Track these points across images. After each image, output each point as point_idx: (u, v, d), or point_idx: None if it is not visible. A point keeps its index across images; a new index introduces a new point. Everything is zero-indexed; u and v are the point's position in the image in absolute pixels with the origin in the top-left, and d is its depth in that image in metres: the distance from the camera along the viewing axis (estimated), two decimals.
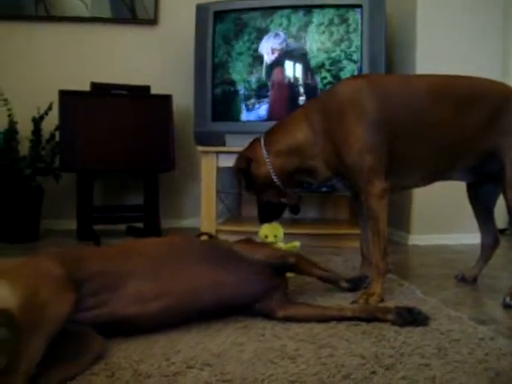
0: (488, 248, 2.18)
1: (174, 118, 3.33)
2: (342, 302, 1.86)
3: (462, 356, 1.36)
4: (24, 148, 3.16)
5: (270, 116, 3.11)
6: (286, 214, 3.42)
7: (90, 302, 1.43)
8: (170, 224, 3.67)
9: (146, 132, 3.24)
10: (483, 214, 2.15)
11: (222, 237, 3.09)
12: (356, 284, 1.98)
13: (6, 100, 3.05)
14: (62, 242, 3.14)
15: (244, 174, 2.06)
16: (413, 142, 1.86)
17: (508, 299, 1.85)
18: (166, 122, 3.28)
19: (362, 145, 1.81)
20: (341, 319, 1.64)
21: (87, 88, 3.24)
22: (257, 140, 2.05)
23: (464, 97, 1.88)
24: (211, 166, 3.11)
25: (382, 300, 1.84)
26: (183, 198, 3.77)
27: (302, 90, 3.16)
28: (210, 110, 3.18)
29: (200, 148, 3.14)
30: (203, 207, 3.16)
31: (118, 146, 3.18)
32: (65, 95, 3.07)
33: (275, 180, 1.97)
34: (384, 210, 1.84)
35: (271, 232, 2.29)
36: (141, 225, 3.41)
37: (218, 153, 3.13)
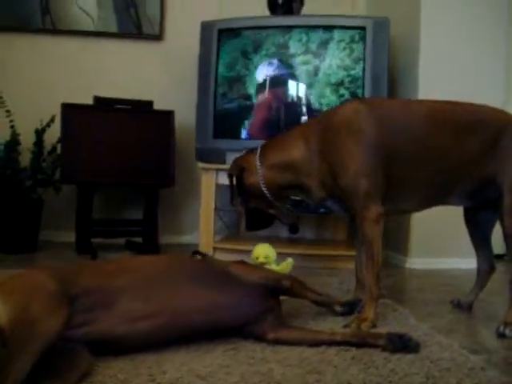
0: (484, 274, 2.16)
1: (176, 134, 3.33)
2: (334, 325, 1.85)
3: None
4: (25, 159, 3.17)
5: (271, 135, 3.11)
6: (284, 234, 3.46)
7: (80, 319, 1.43)
8: (168, 240, 3.66)
9: (147, 147, 3.24)
10: (480, 239, 2.14)
11: (220, 255, 3.11)
12: (350, 308, 1.96)
13: (8, 111, 3.07)
14: (60, 254, 3.14)
15: (235, 181, 2.07)
16: (411, 167, 1.86)
17: (502, 328, 1.83)
18: (168, 138, 3.29)
19: (358, 168, 1.81)
20: (331, 343, 1.63)
21: (90, 101, 3.26)
22: (253, 150, 2.06)
23: (463, 123, 1.89)
24: (211, 183, 3.11)
25: (375, 325, 1.82)
26: (182, 214, 3.77)
27: (302, 110, 3.16)
28: (211, 127, 3.20)
29: (200, 165, 3.15)
30: (202, 224, 3.16)
31: (118, 160, 3.18)
32: (67, 108, 3.08)
33: (264, 191, 1.98)
34: (379, 235, 1.83)
35: (262, 252, 2.28)
36: (139, 239, 3.39)
37: (218, 170, 3.13)
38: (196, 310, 1.57)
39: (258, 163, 2.00)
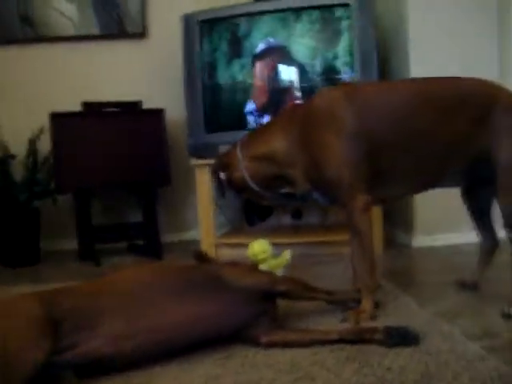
0: (487, 250, 2.08)
1: (169, 131, 3.28)
2: (333, 320, 1.78)
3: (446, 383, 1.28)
4: (19, 172, 3.14)
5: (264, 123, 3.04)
6: (287, 221, 3.40)
7: (65, 342, 1.40)
8: (173, 238, 3.64)
9: (140, 148, 3.20)
10: (479, 216, 2.05)
11: (223, 251, 3.06)
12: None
13: None
14: (63, 263, 3.13)
15: (217, 178, 2.05)
16: (397, 152, 1.77)
17: (507, 308, 1.75)
18: (160, 137, 3.24)
19: (339, 160, 1.74)
20: (327, 343, 1.58)
21: (79, 107, 3.21)
22: (235, 145, 2.00)
23: (449, 100, 1.78)
24: (205, 179, 3.05)
25: (373, 317, 1.76)
26: (183, 211, 3.73)
27: (296, 94, 3.08)
28: (202, 122, 3.13)
29: (193, 161, 3.09)
30: (201, 221, 3.11)
31: (112, 163, 3.14)
32: (56, 118, 3.04)
33: (250, 184, 1.92)
34: (368, 224, 1.76)
35: (260, 248, 2.23)
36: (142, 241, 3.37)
37: (211, 165, 3.06)
38: (182, 325, 1.52)
39: (240, 156, 1.94)
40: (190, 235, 3.65)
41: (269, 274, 1.76)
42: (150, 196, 3.31)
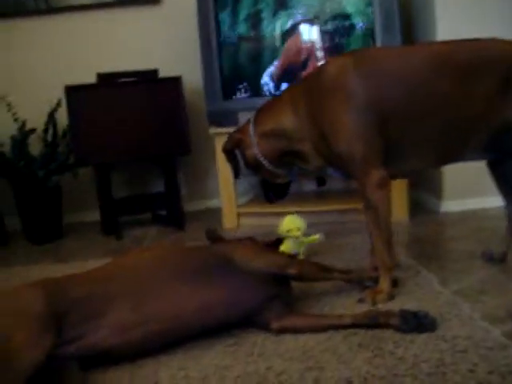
0: None
1: (187, 99, 3.19)
2: (350, 301, 1.72)
3: (461, 376, 1.21)
4: (36, 148, 3.13)
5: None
6: (310, 187, 3.31)
7: (71, 334, 1.38)
8: (195, 206, 3.61)
9: (158, 117, 3.12)
10: (506, 189, 1.93)
11: (245, 220, 3.01)
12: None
13: (9, 105, 3.01)
14: (87, 237, 3.13)
15: (231, 156, 1.96)
16: (412, 124, 1.65)
17: None
18: (178, 105, 3.15)
19: (350, 133, 1.63)
20: (340, 328, 1.52)
21: (94, 80, 3.15)
22: (247, 121, 1.92)
23: (468, 65, 1.63)
24: None
25: (391, 297, 1.68)
26: (205, 180, 3.67)
27: (318, 55, 2.94)
28: (219, 89, 3.03)
29: (212, 130, 3.01)
30: (222, 190, 3.06)
31: (131, 134, 3.08)
32: (71, 90, 2.98)
33: (262, 161, 1.84)
34: (385, 201, 1.66)
35: (293, 225, 2.16)
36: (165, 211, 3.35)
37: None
38: (190, 312, 1.48)
39: (251, 132, 1.86)
40: (213, 203, 3.60)
41: (281, 255, 1.69)
42: (170, 166, 3.26)
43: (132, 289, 1.47)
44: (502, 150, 1.76)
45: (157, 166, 3.43)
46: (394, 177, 1.72)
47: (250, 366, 1.38)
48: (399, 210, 2.82)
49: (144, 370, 1.42)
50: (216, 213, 3.16)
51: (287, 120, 1.76)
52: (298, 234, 2.16)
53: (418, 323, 1.45)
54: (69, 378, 1.36)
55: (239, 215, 3.08)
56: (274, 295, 1.58)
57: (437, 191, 2.95)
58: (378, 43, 2.73)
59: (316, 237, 2.18)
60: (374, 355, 1.35)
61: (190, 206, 3.57)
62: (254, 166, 1.90)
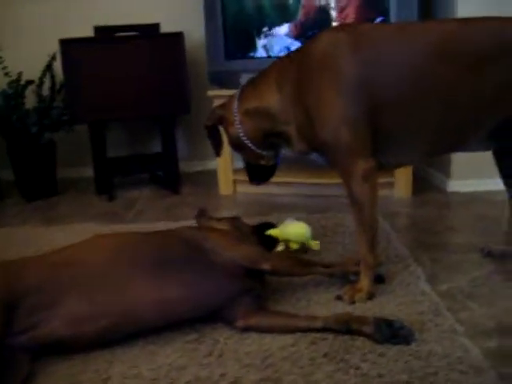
0: None
1: (187, 57, 3.02)
2: (327, 296, 1.61)
3: None
4: (33, 101, 3.02)
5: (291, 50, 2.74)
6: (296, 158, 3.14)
7: (23, 324, 1.30)
8: (193, 167, 3.49)
9: (158, 75, 2.97)
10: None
11: (241, 187, 2.89)
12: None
13: (0, 57, 2.88)
14: (80, 197, 3.05)
15: (212, 133, 1.84)
16: (408, 112, 1.47)
17: None
18: (179, 62, 2.98)
19: (337, 118, 1.47)
20: (310, 330, 1.41)
21: (91, 33, 2.99)
22: (232, 97, 1.77)
23: (484, 50, 1.42)
24: None
25: (371, 296, 1.57)
26: (204, 141, 3.49)
27: (332, 14, 2.74)
28: (222, 48, 2.86)
29: (211, 92, 2.85)
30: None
31: (128, 92, 2.94)
32: (66, 44, 2.82)
33: (245, 141, 1.70)
34: (369, 195, 1.51)
35: (299, 237, 1.92)
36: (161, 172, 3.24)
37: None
38: (149, 307, 1.38)
39: (235, 109, 1.71)
40: (211, 165, 3.46)
41: (256, 248, 1.56)
42: (168, 125, 3.13)
43: (87, 279, 1.38)
44: (508, 141, 1.58)
45: (154, 125, 3.29)
46: (383, 168, 1.57)
47: (203, 370, 1.29)
48: (403, 186, 2.68)
49: (97, 364, 1.35)
50: (214, 176, 3.03)
51: (271, 99, 1.61)
52: (296, 247, 1.93)
53: (392, 334, 1.34)
54: (16, 368, 1.29)
55: (235, 182, 2.95)
56: (244, 290, 1.47)
57: (445, 169, 2.77)
58: (393, 17, 2.52)
59: (316, 243, 1.96)
60: (338, 369, 1.25)
61: (188, 167, 3.46)
62: (237, 146, 1.76)
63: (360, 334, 1.37)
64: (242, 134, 1.70)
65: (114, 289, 1.37)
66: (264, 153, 1.75)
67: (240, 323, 1.44)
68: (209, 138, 1.83)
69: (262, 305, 1.52)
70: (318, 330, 1.41)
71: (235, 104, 1.71)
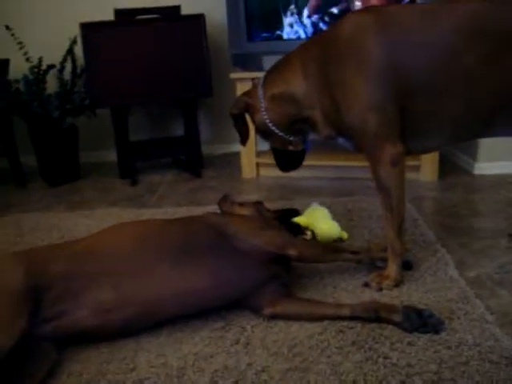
0: None
1: (209, 40, 2.99)
2: (355, 283, 1.59)
3: None
4: (55, 85, 3.01)
5: (317, 32, 2.69)
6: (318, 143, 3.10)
7: (49, 313, 1.31)
8: (216, 150, 3.48)
9: (179, 57, 2.95)
10: None
11: (264, 170, 2.87)
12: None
13: (21, 43, 2.87)
14: (103, 181, 3.05)
15: (238, 121, 1.80)
16: (437, 96, 1.42)
17: None
18: (201, 45, 2.95)
19: (364, 103, 1.43)
20: (337, 319, 1.40)
21: (111, 16, 2.97)
22: (256, 83, 1.75)
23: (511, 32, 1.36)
24: None
25: (398, 284, 1.54)
26: (226, 123, 3.44)
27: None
28: (244, 29, 2.81)
29: (233, 75, 2.82)
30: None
31: (150, 75, 2.92)
32: (87, 28, 2.82)
33: (272, 128, 1.67)
34: (397, 180, 1.48)
35: (333, 232, 1.87)
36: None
37: (253, 79, 2.79)
38: (175, 295, 1.38)
39: (260, 96, 1.68)
40: (234, 148, 3.43)
41: (282, 233, 1.54)
42: (190, 109, 3.11)
43: (113, 267, 1.37)
44: None
45: (177, 108, 3.28)
46: (410, 154, 1.53)
47: (231, 359, 1.28)
48: (429, 169, 2.64)
49: (123, 352, 1.36)
50: (237, 159, 3.01)
51: (297, 84, 1.57)
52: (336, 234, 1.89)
53: (421, 323, 1.32)
54: (42, 356, 1.30)
55: (258, 165, 2.93)
56: (270, 278, 1.46)
57: (472, 152, 2.72)
58: None
59: (345, 234, 1.92)
60: (366, 358, 1.24)
61: (211, 150, 3.45)
62: (264, 132, 1.73)
63: (389, 322, 1.35)
64: (268, 121, 1.67)
65: (140, 277, 1.37)
66: (291, 138, 1.72)
67: (267, 311, 1.44)
68: (235, 126, 1.80)
69: (289, 292, 1.50)
70: (345, 319, 1.39)
71: (260, 91, 1.68)
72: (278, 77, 1.63)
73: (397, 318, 1.34)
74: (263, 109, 1.67)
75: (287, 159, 1.84)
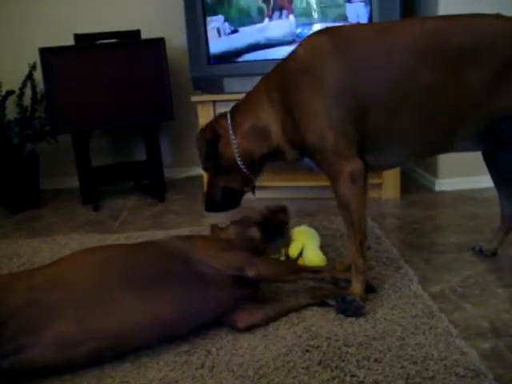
0: (509, 218, 1.80)
1: (169, 63, 2.99)
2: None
3: None
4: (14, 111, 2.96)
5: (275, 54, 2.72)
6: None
7: (6, 348, 1.24)
8: (179, 174, 3.46)
9: (139, 82, 2.93)
10: (502, 182, 1.76)
11: None
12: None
13: None
14: (65, 207, 2.99)
15: (211, 148, 1.70)
16: (393, 113, 1.45)
17: None
18: (161, 69, 2.95)
19: (321, 122, 1.45)
20: (298, 309, 1.53)
21: (71, 41, 2.95)
22: (223, 116, 1.71)
23: (466, 48, 1.41)
24: (209, 115, 2.78)
25: (363, 301, 1.53)
26: (188, 146, 3.46)
27: (315, 16, 2.71)
28: (204, 52, 2.83)
29: (194, 98, 2.82)
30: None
31: (110, 100, 2.89)
32: (46, 53, 2.78)
33: (240, 164, 1.66)
34: (357, 196, 1.49)
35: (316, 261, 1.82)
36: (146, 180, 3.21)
37: (214, 101, 2.80)
38: (141, 325, 1.34)
39: (231, 131, 1.65)
40: (196, 171, 3.40)
41: (241, 255, 1.51)
42: (152, 132, 3.09)
43: (76, 298, 1.32)
44: (497, 140, 1.57)
45: (139, 133, 3.25)
46: (371, 169, 1.55)
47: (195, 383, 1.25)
48: (391, 187, 2.67)
49: (86, 379, 1.31)
50: (199, 182, 3.00)
51: (265, 114, 1.57)
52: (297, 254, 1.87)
53: (345, 307, 1.48)
54: None
55: None
56: (241, 296, 1.46)
57: (433, 169, 2.77)
58: (375, 16, 2.50)
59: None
60: (333, 377, 1.22)
61: (173, 174, 3.42)
62: (226, 167, 1.69)
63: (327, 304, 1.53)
64: (238, 157, 1.65)
65: (103, 308, 1.31)
66: (252, 177, 1.71)
67: (241, 325, 1.45)
68: (205, 151, 1.70)
69: (259, 304, 1.51)
70: (303, 307, 1.53)
71: (229, 123, 1.65)
72: (248, 109, 1.62)
73: (331, 302, 1.51)
74: (235, 143, 1.64)
75: (226, 200, 1.79)
